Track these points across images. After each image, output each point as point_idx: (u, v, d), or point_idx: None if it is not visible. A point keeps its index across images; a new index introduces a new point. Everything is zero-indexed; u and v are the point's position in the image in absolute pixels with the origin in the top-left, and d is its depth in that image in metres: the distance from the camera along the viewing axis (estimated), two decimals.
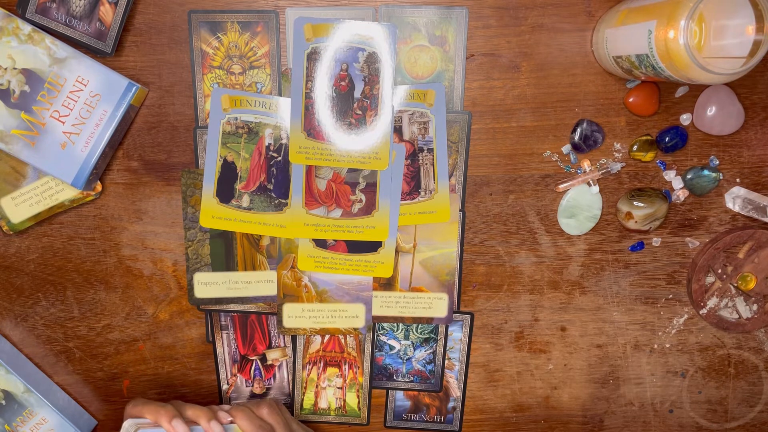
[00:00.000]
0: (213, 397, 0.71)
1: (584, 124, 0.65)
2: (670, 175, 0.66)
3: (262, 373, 0.70)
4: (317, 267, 0.67)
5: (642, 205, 0.65)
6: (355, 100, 0.63)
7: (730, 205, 0.67)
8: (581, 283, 0.69)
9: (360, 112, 0.63)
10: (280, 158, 0.65)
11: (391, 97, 0.63)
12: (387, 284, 0.68)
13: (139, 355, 0.70)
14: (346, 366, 0.70)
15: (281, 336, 0.69)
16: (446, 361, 0.70)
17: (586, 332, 0.70)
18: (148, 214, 0.67)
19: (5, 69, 0.60)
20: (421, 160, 0.65)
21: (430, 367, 0.70)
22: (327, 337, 0.70)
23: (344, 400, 0.71)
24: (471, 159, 0.66)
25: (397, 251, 0.67)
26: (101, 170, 0.65)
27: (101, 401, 0.71)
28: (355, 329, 0.68)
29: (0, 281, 0.68)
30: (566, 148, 0.66)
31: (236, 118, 0.64)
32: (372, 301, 0.68)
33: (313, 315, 0.68)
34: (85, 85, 0.61)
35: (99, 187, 0.66)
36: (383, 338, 0.70)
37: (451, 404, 0.72)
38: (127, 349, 0.69)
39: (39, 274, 0.68)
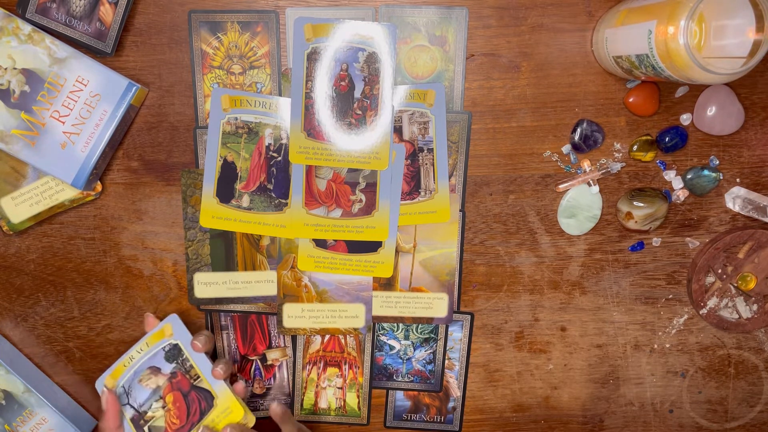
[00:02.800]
0: None
1: (584, 124, 0.65)
2: (670, 175, 0.66)
3: (262, 373, 0.70)
4: (317, 267, 0.67)
5: (642, 205, 0.65)
6: (355, 100, 0.63)
7: (730, 205, 0.67)
8: (581, 283, 0.69)
9: (360, 112, 0.63)
10: (280, 158, 0.65)
11: (391, 97, 0.63)
12: (387, 284, 0.68)
13: None
14: (346, 366, 0.70)
15: (281, 336, 0.69)
16: (446, 361, 0.70)
17: (586, 332, 0.70)
18: (148, 214, 0.67)
19: (5, 69, 0.60)
20: (421, 160, 0.65)
21: (430, 367, 0.70)
22: (327, 337, 0.70)
23: (344, 400, 0.71)
24: (471, 159, 0.66)
25: (397, 251, 0.67)
26: (101, 170, 0.65)
27: None
28: (355, 329, 0.68)
29: (0, 281, 0.68)
30: (566, 148, 0.66)
31: (236, 118, 0.64)
32: (372, 301, 0.68)
33: (313, 315, 0.68)
34: (85, 85, 0.61)
35: (99, 187, 0.66)
36: (383, 338, 0.70)
37: (451, 404, 0.72)
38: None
39: (39, 274, 0.68)
